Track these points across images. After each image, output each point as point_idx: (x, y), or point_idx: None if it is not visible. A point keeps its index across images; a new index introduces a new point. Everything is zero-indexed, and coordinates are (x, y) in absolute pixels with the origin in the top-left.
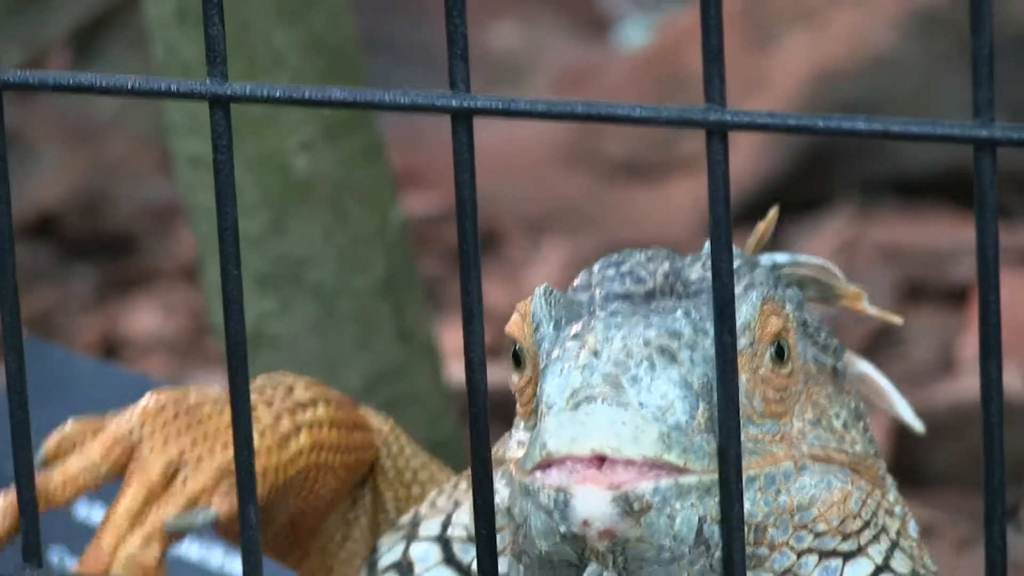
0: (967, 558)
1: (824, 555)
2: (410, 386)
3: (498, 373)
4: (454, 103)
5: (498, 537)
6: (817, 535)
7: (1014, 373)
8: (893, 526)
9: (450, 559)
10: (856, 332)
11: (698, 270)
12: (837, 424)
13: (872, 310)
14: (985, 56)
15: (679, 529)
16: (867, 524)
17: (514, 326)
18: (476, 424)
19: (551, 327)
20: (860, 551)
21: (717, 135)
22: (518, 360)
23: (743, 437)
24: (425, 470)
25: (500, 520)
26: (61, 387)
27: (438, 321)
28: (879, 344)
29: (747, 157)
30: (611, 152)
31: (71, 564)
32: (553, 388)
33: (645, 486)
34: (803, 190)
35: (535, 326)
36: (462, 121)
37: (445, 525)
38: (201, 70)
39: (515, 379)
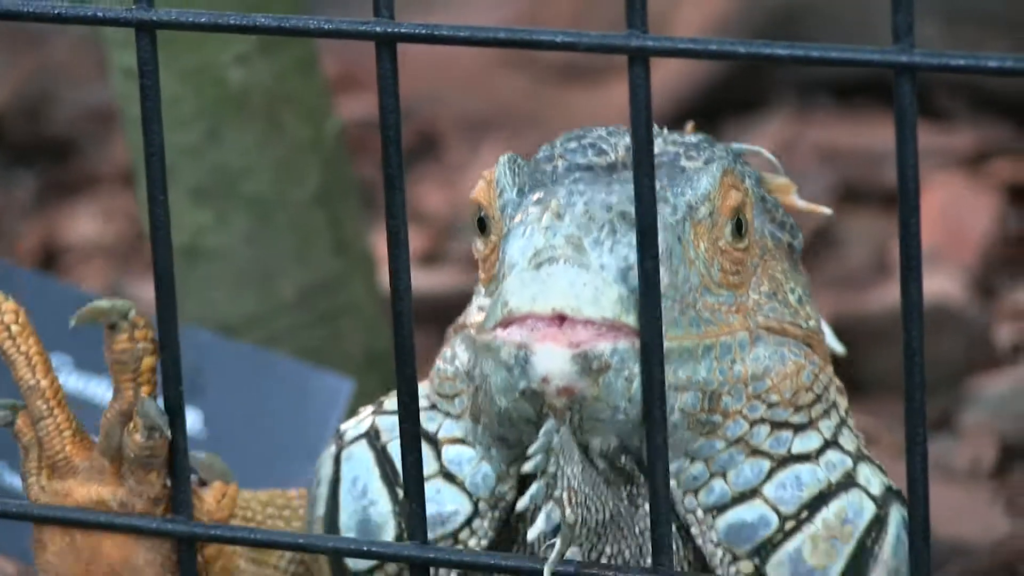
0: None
1: (776, 426)
2: (347, 297)
3: (437, 278)
4: (377, 29)
5: (456, 400)
6: (770, 405)
7: (953, 278)
8: (842, 404)
9: None
10: None
11: (659, 144)
12: (792, 299)
13: (801, 203)
14: None
15: (635, 392)
16: (818, 398)
17: (480, 192)
18: (402, 351)
19: (515, 193)
20: (811, 424)
21: (639, 60)
22: (483, 226)
23: (700, 305)
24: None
25: (459, 384)
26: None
27: (374, 227)
28: (815, 247)
29: (683, 61)
30: (549, 54)
31: (12, 481)
32: (515, 249)
33: (604, 346)
34: (740, 92)
35: (499, 191)
36: (386, 48)
37: None
38: None
39: (479, 246)
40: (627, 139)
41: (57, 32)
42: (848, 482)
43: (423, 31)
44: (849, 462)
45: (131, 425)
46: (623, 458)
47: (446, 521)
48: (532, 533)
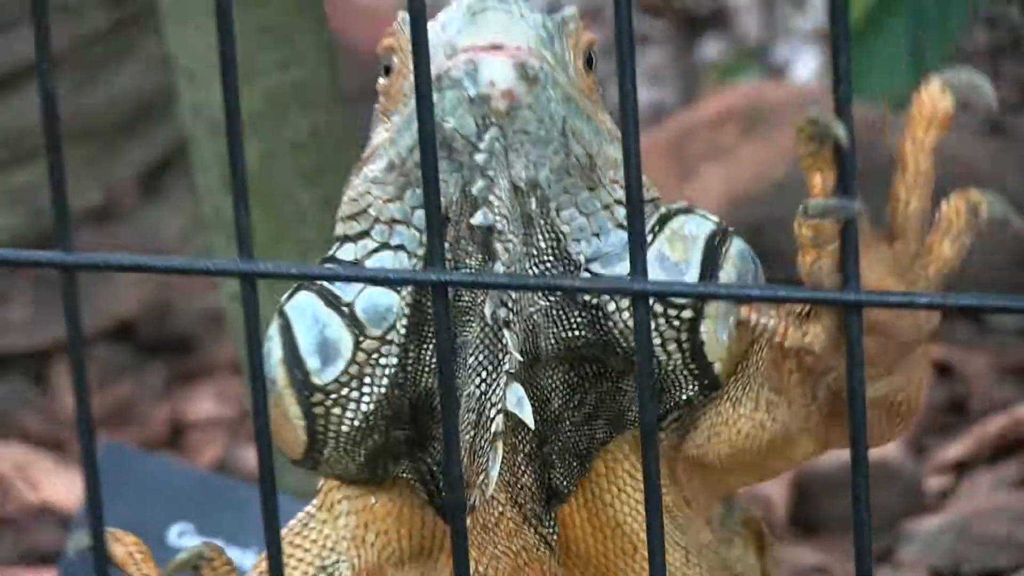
0: None
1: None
2: None
3: None
4: (432, 277)
5: (370, 209)
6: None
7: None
8: None
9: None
10: None
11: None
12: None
13: None
14: None
15: (554, 109)
16: (652, 201)
17: (388, 39)
18: (457, 538)
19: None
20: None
21: (641, 301)
22: (388, 71)
23: (582, 95)
24: None
25: (375, 192)
26: (135, 481)
27: None
28: None
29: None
30: None
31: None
32: (447, 17)
33: (534, 61)
34: None
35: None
36: (440, 293)
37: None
38: None
39: (383, 83)
40: None
41: (179, 249)
42: (687, 209)
43: (471, 278)
44: (685, 206)
45: None
46: (537, 191)
47: (385, 316)
48: (476, 220)
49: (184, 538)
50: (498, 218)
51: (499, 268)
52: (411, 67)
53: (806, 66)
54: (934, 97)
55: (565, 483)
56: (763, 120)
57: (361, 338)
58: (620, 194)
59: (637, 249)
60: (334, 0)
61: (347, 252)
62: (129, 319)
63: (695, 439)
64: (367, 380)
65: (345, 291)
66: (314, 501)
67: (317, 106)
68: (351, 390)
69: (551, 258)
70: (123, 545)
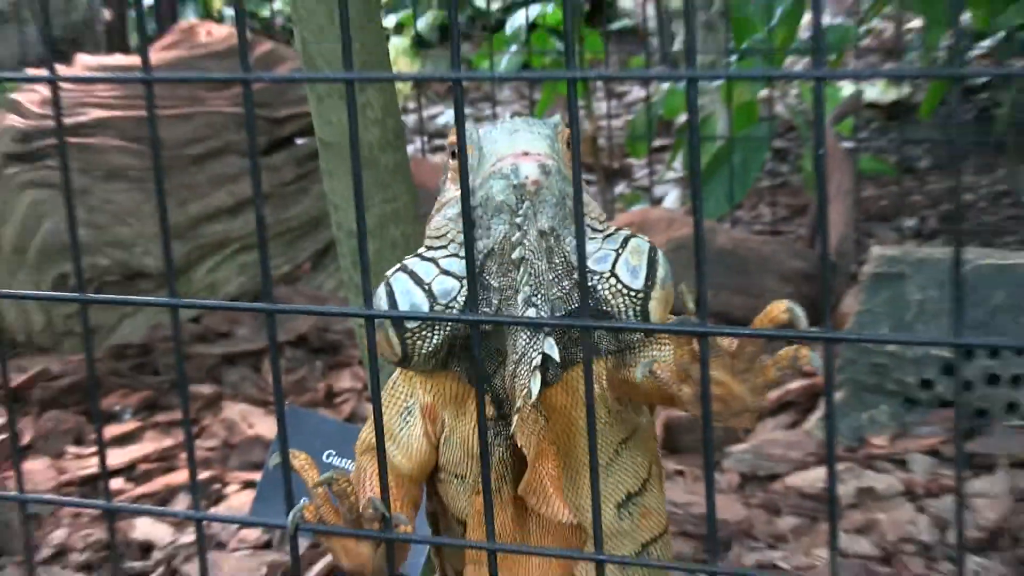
0: (701, 486)
1: (592, 230)
2: None
3: None
4: (470, 317)
5: (448, 234)
6: (590, 218)
7: None
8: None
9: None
10: None
11: (518, 121)
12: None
13: None
14: None
15: (559, 185)
16: (600, 221)
17: (453, 136)
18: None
19: (475, 129)
20: (600, 233)
21: (587, 332)
22: (455, 154)
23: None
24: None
25: (449, 224)
26: (305, 426)
27: None
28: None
29: None
30: None
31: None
32: (496, 131)
33: (549, 161)
34: None
35: (467, 131)
36: (473, 329)
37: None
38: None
39: (452, 163)
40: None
41: (332, 296)
42: (632, 236)
43: (494, 319)
44: (626, 234)
45: (363, 506)
46: (554, 232)
47: (449, 293)
48: (515, 256)
49: (331, 458)
50: (528, 253)
51: (526, 281)
52: (480, 146)
53: (673, 198)
54: (779, 309)
55: (553, 376)
56: (648, 229)
57: (434, 304)
58: (590, 220)
59: (585, 299)
60: (416, 160)
61: (429, 254)
62: (304, 334)
63: (634, 374)
64: (437, 327)
65: (427, 276)
66: (395, 373)
67: (406, 222)
68: (427, 332)
69: (562, 267)
70: (298, 460)
